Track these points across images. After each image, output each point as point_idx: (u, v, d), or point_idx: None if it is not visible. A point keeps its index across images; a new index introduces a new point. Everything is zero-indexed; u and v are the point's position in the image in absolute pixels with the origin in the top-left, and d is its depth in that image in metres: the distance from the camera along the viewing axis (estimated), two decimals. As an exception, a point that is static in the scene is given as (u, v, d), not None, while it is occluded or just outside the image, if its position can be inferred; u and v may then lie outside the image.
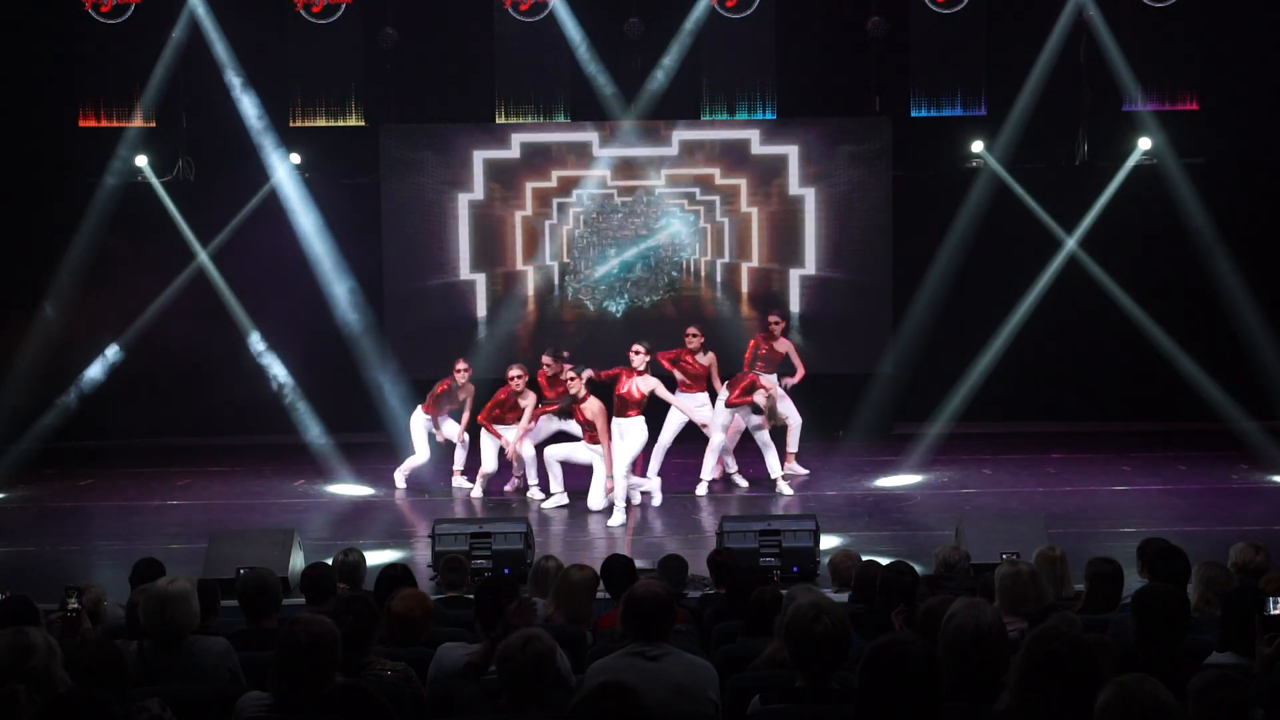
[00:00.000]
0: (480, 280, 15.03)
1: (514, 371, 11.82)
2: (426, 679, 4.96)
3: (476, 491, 12.03)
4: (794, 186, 14.91)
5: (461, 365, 12.36)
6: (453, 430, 12.43)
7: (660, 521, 11.03)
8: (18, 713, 3.69)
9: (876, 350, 14.88)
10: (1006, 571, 5.58)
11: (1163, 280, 14.49)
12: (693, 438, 11.98)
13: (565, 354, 12.11)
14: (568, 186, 14.93)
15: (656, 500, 11.45)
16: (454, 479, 12.50)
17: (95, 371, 14.74)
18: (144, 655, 5.00)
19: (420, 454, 12.39)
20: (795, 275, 14.98)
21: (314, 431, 14.24)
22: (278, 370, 14.70)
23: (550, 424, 12.10)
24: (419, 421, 12.38)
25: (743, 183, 14.91)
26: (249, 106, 14.45)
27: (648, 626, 4.56)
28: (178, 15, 14.29)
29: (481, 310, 15.00)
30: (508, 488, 12.22)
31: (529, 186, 14.94)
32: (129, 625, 5.39)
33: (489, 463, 11.93)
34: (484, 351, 14.35)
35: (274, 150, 14.57)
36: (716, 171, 14.94)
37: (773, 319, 12.63)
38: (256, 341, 14.68)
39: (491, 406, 11.90)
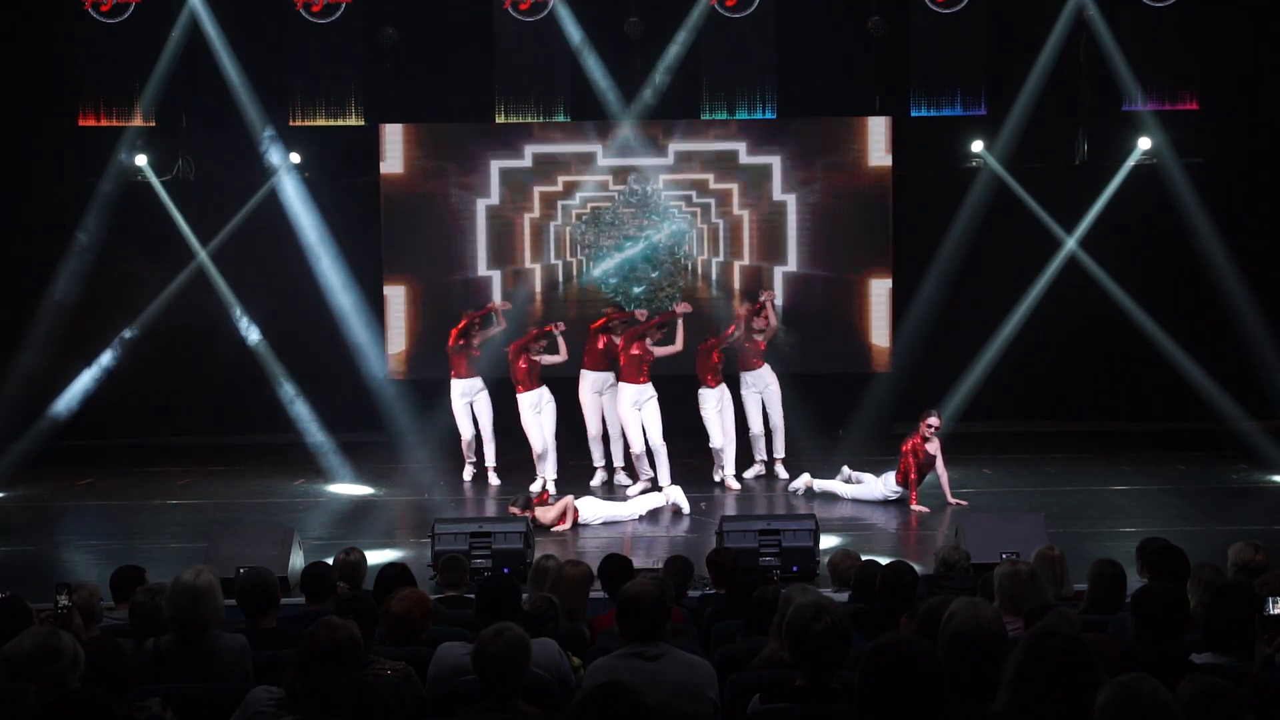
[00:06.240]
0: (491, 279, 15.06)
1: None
2: (426, 679, 4.96)
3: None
4: (792, 186, 14.91)
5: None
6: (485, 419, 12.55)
7: (666, 521, 11.04)
8: (23, 713, 3.67)
9: (877, 350, 14.87)
10: (1006, 571, 5.58)
11: (1162, 280, 14.48)
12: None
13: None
14: (557, 177, 14.89)
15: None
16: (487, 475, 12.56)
17: (107, 358, 14.70)
18: (159, 651, 4.98)
19: (464, 430, 12.58)
20: (800, 274, 14.98)
21: (314, 431, 14.23)
22: (276, 367, 14.70)
23: (594, 401, 12.18)
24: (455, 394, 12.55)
25: (751, 178, 14.91)
26: (249, 106, 14.46)
27: (642, 626, 4.56)
28: (178, 15, 14.28)
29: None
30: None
31: (497, 169, 14.89)
32: (132, 624, 5.37)
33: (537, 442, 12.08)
34: (487, 350, 14.34)
35: (274, 150, 14.57)
36: (744, 153, 14.90)
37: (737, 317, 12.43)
38: (246, 326, 14.70)
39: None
